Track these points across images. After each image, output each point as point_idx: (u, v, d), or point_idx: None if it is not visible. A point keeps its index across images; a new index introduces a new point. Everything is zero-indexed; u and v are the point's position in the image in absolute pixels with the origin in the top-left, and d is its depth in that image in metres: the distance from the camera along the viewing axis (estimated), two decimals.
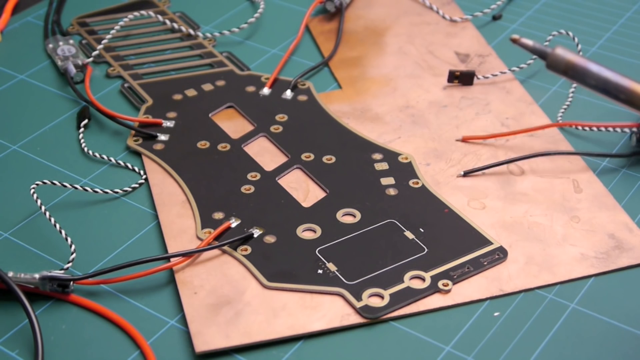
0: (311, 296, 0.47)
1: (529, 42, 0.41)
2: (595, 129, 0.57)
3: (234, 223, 0.51)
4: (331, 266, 0.48)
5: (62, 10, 0.70)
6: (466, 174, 0.54)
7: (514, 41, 0.41)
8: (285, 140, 0.57)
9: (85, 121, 0.58)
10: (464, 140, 0.56)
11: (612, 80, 0.40)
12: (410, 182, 0.53)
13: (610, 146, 0.56)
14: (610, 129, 0.56)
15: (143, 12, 0.67)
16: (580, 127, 0.57)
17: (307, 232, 0.50)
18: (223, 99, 0.60)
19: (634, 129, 0.55)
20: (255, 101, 0.60)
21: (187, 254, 0.49)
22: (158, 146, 0.56)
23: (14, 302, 0.46)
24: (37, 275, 0.47)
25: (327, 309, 0.46)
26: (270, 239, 0.50)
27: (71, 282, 0.47)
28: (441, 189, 0.53)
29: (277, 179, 0.54)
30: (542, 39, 0.65)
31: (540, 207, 0.52)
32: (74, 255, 0.49)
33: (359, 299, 0.46)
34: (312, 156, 0.55)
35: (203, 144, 0.57)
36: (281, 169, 0.55)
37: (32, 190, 0.52)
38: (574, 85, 0.60)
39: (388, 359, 0.44)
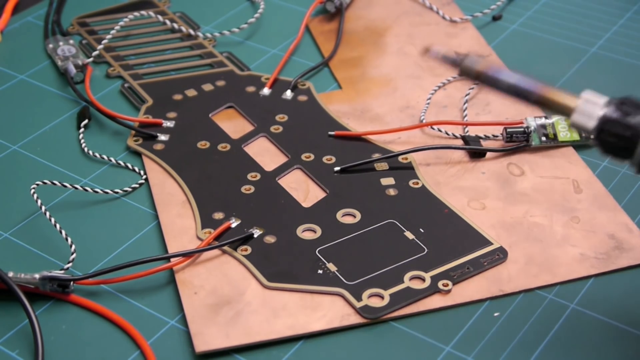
0: (311, 296, 0.47)
1: (439, 52, 0.42)
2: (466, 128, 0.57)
3: (234, 223, 0.51)
4: (331, 266, 0.48)
5: (62, 10, 0.70)
6: (342, 170, 0.54)
7: (425, 52, 0.42)
8: (285, 140, 0.57)
9: (86, 121, 0.58)
10: (336, 135, 0.56)
11: (521, 86, 0.41)
12: (410, 183, 0.53)
13: None
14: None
15: (143, 12, 0.67)
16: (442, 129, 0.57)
17: (307, 232, 0.50)
18: (223, 99, 0.60)
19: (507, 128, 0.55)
20: (255, 101, 0.60)
21: (187, 254, 0.48)
22: (158, 146, 0.56)
23: (14, 302, 0.46)
24: (37, 275, 0.47)
25: (327, 309, 0.46)
26: (270, 239, 0.50)
27: (71, 282, 0.47)
28: (441, 189, 0.53)
29: (277, 179, 0.54)
30: (542, 39, 0.65)
31: (540, 207, 0.52)
32: (74, 255, 0.49)
33: (359, 299, 0.46)
34: (312, 156, 0.55)
35: (203, 144, 0.57)
36: (281, 169, 0.55)
37: (32, 190, 0.52)
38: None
39: (388, 359, 0.44)
